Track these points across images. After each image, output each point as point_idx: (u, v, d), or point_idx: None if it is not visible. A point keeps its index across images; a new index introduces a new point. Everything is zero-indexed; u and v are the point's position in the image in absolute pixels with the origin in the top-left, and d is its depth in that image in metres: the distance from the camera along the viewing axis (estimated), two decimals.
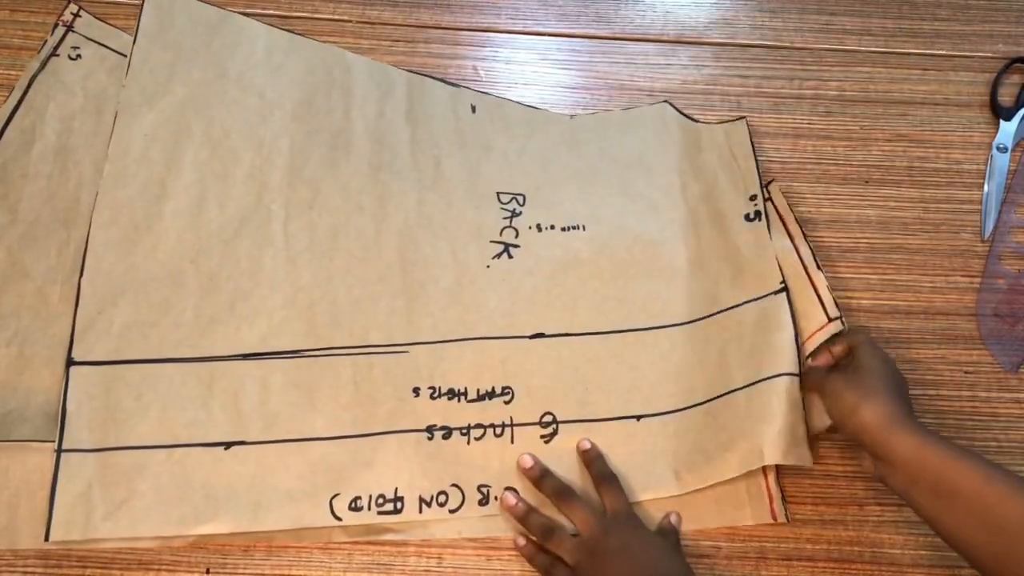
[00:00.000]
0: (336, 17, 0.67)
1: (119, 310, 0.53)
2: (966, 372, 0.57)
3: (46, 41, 0.63)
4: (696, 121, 0.65)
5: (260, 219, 0.57)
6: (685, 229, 0.60)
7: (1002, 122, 0.66)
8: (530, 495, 0.51)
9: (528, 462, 0.51)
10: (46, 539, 0.47)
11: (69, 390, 0.50)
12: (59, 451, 0.49)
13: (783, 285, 0.55)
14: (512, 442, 0.52)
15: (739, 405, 0.52)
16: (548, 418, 0.53)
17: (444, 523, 0.50)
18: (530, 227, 0.59)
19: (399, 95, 0.64)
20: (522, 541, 0.50)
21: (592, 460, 0.52)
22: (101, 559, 0.49)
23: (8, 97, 0.60)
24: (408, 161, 0.61)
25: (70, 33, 0.64)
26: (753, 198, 0.59)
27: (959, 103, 0.68)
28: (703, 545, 0.51)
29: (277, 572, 0.49)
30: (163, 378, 0.52)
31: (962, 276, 0.60)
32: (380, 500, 0.50)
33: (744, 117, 0.64)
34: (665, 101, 0.65)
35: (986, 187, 0.64)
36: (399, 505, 0.50)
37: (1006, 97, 0.68)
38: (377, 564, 0.50)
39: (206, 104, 0.61)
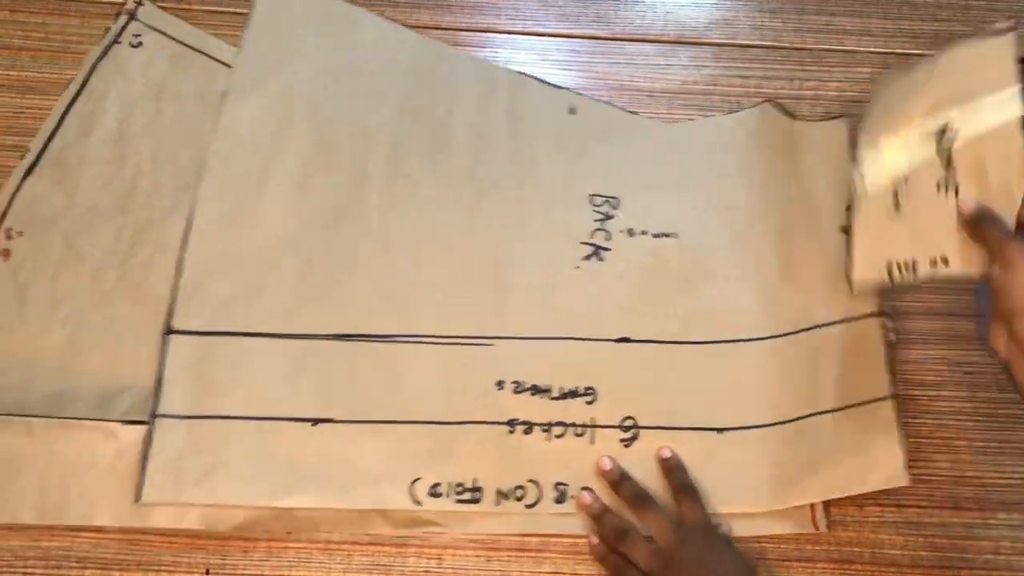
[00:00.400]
0: None
1: (218, 284, 0.55)
2: (966, 372, 0.57)
3: (108, 28, 0.64)
4: (795, 118, 0.63)
5: (358, 207, 0.58)
6: (778, 242, 0.59)
7: None
8: (606, 497, 0.51)
9: (607, 464, 0.51)
10: (137, 500, 0.48)
11: (167, 358, 0.52)
12: (154, 416, 0.50)
13: (879, 308, 0.55)
14: (592, 443, 0.52)
15: (827, 429, 0.52)
16: (629, 422, 0.53)
17: (507, 517, 0.51)
18: (622, 231, 0.59)
19: (501, 93, 0.64)
20: (595, 540, 0.49)
21: (672, 469, 0.51)
22: (101, 559, 0.49)
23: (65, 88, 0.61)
24: (506, 158, 0.62)
25: (132, 21, 0.64)
26: (849, 209, 0.56)
27: None
28: None
29: (277, 572, 0.49)
30: (256, 352, 0.53)
31: None
32: (459, 488, 0.51)
33: (843, 116, 0.62)
34: (767, 101, 0.65)
35: None
36: (477, 495, 0.51)
37: None
38: (377, 564, 0.50)
39: (313, 91, 0.62)
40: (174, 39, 0.64)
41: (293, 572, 0.49)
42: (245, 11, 0.66)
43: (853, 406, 0.52)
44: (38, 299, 0.54)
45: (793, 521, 0.51)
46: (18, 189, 0.57)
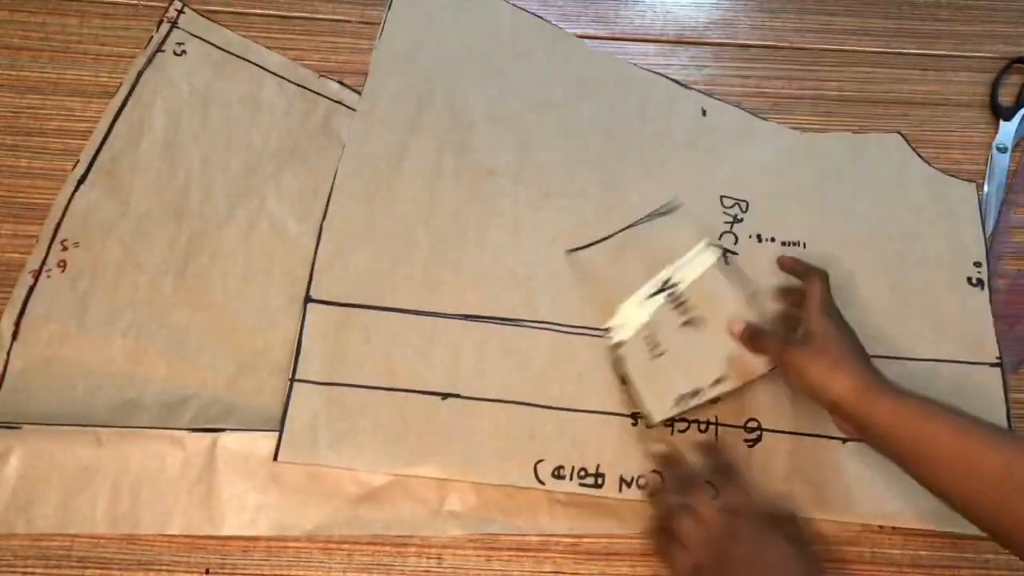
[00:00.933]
0: (336, 17, 0.67)
1: (355, 257, 0.57)
2: None
3: (152, 37, 0.64)
4: (927, 163, 0.64)
5: (491, 192, 0.60)
6: (901, 268, 0.59)
7: (1002, 122, 0.66)
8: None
9: (738, 326, 0.51)
10: (275, 459, 0.50)
11: (305, 325, 0.54)
12: (292, 380, 0.52)
13: (1000, 360, 0.56)
14: (716, 439, 0.53)
15: None
16: (753, 423, 0.53)
17: (630, 504, 0.51)
18: (750, 236, 0.60)
19: (633, 91, 0.66)
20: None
21: (712, 449, 0.50)
22: (101, 559, 0.49)
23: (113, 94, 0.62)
24: (636, 155, 0.63)
25: (175, 29, 0.65)
26: (978, 264, 0.59)
27: (959, 103, 0.68)
28: None
29: (277, 572, 0.49)
30: (389, 325, 0.55)
31: None
32: (582, 472, 0.51)
33: (975, 183, 0.63)
34: (898, 132, 0.65)
35: (986, 187, 0.64)
36: (600, 480, 0.51)
37: (1006, 97, 0.68)
38: (377, 564, 0.50)
39: (451, 76, 0.64)
40: (217, 47, 0.65)
41: (293, 572, 0.49)
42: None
43: None
44: (98, 309, 0.54)
45: None
46: (71, 200, 0.58)
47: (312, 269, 0.56)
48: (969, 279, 0.59)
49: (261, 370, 0.53)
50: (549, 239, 0.59)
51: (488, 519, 0.51)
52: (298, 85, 0.64)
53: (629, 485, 0.51)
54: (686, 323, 0.53)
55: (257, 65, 0.64)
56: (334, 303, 0.55)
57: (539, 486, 0.51)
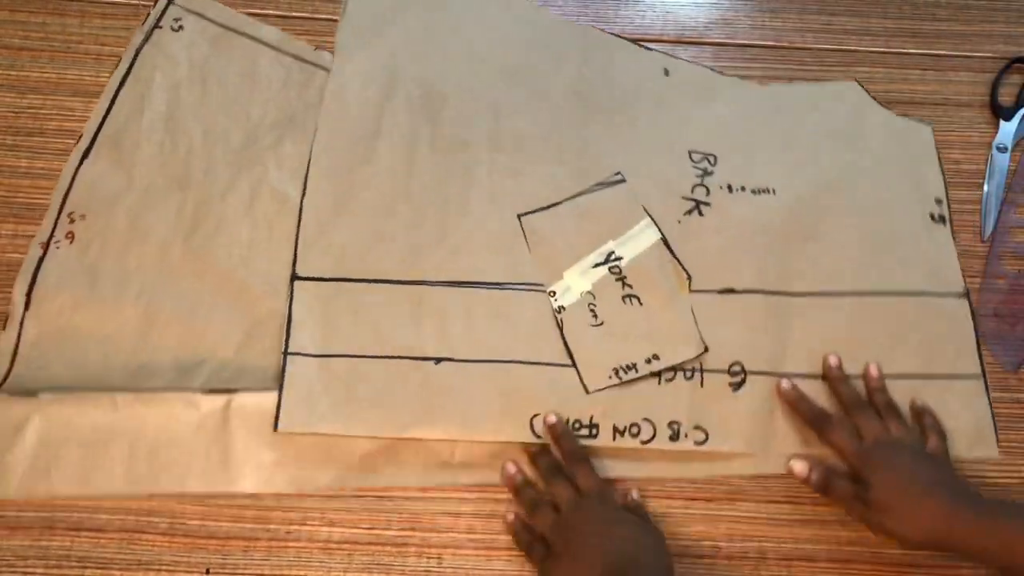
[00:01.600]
0: (336, 18, 0.67)
1: (337, 232, 0.57)
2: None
3: (149, 13, 0.65)
4: (883, 106, 0.66)
5: (467, 161, 0.61)
6: (868, 208, 0.61)
7: (1002, 122, 0.66)
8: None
9: (551, 419, 0.52)
10: (275, 429, 0.50)
11: (294, 302, 0.55)
12: (286, 353, 0.53)
13: (966, 290, 0.58)
14: (702, 386, 0.54)
15: (913, 393, 0.54)
16: (737, 367, 0.55)
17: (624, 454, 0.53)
18: (721, 187, 0.61)
19: (597, 55, 0.67)
20: (511, 517, 0.51)
21: (558, 436, 0.51)
22: (101, 559, 0.49)
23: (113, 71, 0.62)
24: (605, 118, 0.64)
25: (171, 5, 0.66)
26: (939, 201, 0.62)
27: (959, 103, 0.68)
28: (703, 545, 0.51)
29: (277, 572, 0.49)
30: (377, 296, 0.55)
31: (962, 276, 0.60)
32: (576, 424, 0.52)
33: (931, 123, 0.65)
34: (854, 80, 0.67)
35: (986, 187, 0.64)
36: (595, 431, 0.52)
37: (1006, 97, 0.68)
38: (377, 564, 0.50)
39: (419, 51, 0.65)
40: (214, 22, 0.66)
41: (293, 572, 0.49)
42: None
43: (942, 376, 0.55)
44: (108, 278, 0.55)
45: None
46: (76, 173, 0.58)
47: (296, 247, 0.56)
48: (931, 215, 0.61)
49: (270, 333, 0.54)
50: (527, 205, 0.59)
51: (497, 469, 0.52)
52: (294, 57, 0.65)
53: (623, 434, 0.52)
54: (625, 297, 0.56)
55: (253, 38, 0.65)
56: (321, 279, 0.56)
57: (536, 440, 0.52)
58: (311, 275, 0.56)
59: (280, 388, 0.52)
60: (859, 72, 0.69)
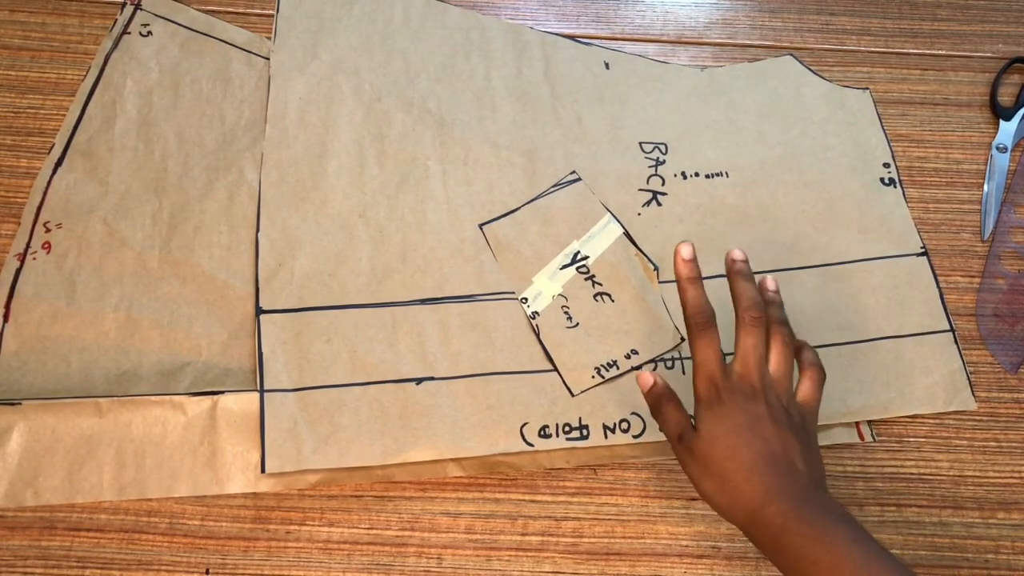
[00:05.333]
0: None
1: (298, 262, 0.56)
2: (966, 372, 0.57)
3: (116, 20, 0.65)
4: (821, 77, 0.67)
5: (419, 175, 0.61)
6: (818, 180, 0.62)
7: (1002, 122, 0.66)
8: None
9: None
10: (262, 471, 0.49)
11: (262, 336, 0.53)
12: (262, 391, 0.52)
13: (924, 248, 0.60)
14: (684, 373, 0.55)
15: (887, 354, 0.56)
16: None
17: (617, 449, 0.53)
18: (675, 175, 0.62)
19: (535, 55, 0.67)
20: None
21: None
22: (101, 559, 0.49)
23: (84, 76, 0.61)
24: (551, 117, 0.64)
25: (139, 11, 0.66)
26: (887, 165, 0.63)
27: (959, 103, 0.68)
28: (703, 545, 0.51)
29: (277, 572, 0.49)
30: (348, 322, 0.54)
31: (962, 276, 0.60)
32: (567, 428, 0.52)
33: (868, 88, 0.67)
34: (790, 55, 0.68)
35: (986, 187, 0.64)
36: (585, 432, 0.52)
37: (1006, 97, 0.68)
38: (377, 564, 0.50)
39: (354, 68, 0.65)
40: (182, 25, 0.66)
41: (293, 572, 0.49)
42: None
43: (911, 335, 0.56)
44: (87, 286, 0.55)
45: (839, 430, 0.54)
46: (50, 183, 0.58)
47: (257, 282, 0.55)
48: (881, 179, 0.63)
49: (254, 333, 0.54)
50: (487, 213, 0.59)
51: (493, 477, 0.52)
52: (265, 58, 0.65)
53: (613, 431, 0.52)
54: (596, 295, 0.56)
55: (224, 41, 0.65)
56: (287, 310, 0.55)
57: (528, 448, 0.52)
58: (276, 307, 0.55)
59: (261, 428, 0.50)
60: (859, 72, 0.69)
